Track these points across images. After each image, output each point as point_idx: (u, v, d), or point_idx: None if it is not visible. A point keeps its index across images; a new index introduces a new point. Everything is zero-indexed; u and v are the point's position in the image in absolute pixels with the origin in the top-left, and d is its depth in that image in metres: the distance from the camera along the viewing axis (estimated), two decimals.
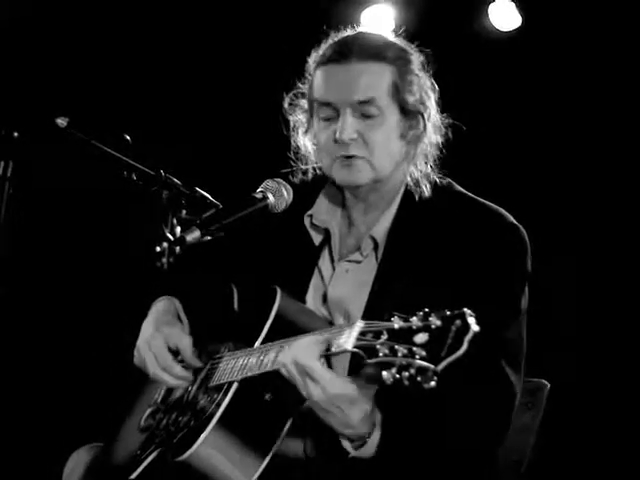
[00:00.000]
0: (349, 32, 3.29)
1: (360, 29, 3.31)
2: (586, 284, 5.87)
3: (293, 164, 3.40)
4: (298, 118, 3.36)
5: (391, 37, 3.30)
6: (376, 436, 2.91)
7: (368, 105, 3.16)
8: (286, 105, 3.36)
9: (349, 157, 3.19)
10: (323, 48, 3.26)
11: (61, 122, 3.09)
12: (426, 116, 3.24)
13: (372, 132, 3.17)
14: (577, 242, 5.89)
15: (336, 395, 2.83)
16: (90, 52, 5.82)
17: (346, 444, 2.93)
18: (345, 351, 2.76)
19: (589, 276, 5.87)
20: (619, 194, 5.86)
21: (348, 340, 2.74)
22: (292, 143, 3.39)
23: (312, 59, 3.28)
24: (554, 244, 5.52)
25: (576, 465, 5.79)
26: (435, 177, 3.29)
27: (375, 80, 3.17)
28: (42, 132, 3.09)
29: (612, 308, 5.83)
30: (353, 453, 2.93)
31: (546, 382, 3.45)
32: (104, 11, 5.83)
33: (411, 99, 3.20)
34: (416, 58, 3.28)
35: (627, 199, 5.85)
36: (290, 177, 3.36)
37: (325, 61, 3.22)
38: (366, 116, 3.17)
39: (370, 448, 2.91)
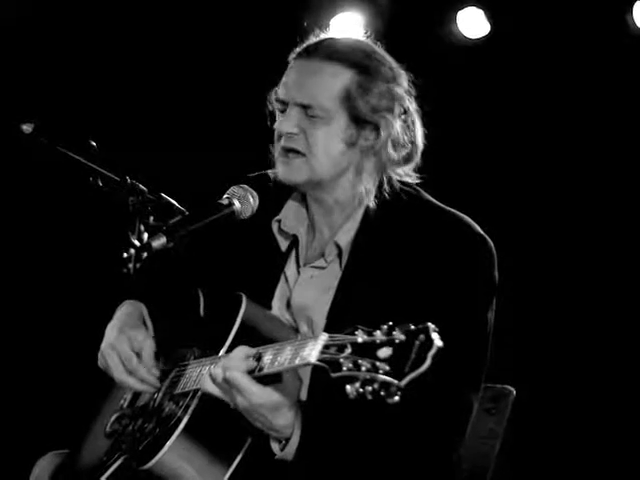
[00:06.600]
0: (337, 35, 3.28)
1: (350, 34, 3.31)
2: (550, 291, 5.90)
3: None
4: None
5: (377, 49, 3.26)
6: (295, 438, 2.96)
7: (310, 108, 3.17)
8: (273, 96, 3.33)
9: (288, 152, 3.20)
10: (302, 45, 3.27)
11: (26, 128, 3.08)
12: (383, 130, 3.19)
13: (314, 129, 3.18)
14: (540, 249, 5.92)
15: (260, 404, 2.90)
16: (55, 57, 5.80)
17: (274, 446, 2.98)
18: (309, 364, 2.76)
19: (553, 283, 5.90)
20: (583, 200, 5.91)
21: (312, 353, 2.74)
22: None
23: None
24: (517, 251, 5.54)
25: (543, 473, 5.81)
26: (396, 188, 3.26)
27: (325, 82, 3.17)
28: (7, 138, 3.08)
29: (577, 314, 5.87)
30: (278, 455, 2.98)
31: (511, 388, 3.45)
32: (71, 15, 5.81)
33: (365, 108, 3.17)
34: (398, 75, 3.24)
35: (591, 205, 5.89)
36: (259, 180, 3.36)
37: (295, 56, 3.26)
38: (310, 115, 3.18)
39: (291, 450, 2.97)
